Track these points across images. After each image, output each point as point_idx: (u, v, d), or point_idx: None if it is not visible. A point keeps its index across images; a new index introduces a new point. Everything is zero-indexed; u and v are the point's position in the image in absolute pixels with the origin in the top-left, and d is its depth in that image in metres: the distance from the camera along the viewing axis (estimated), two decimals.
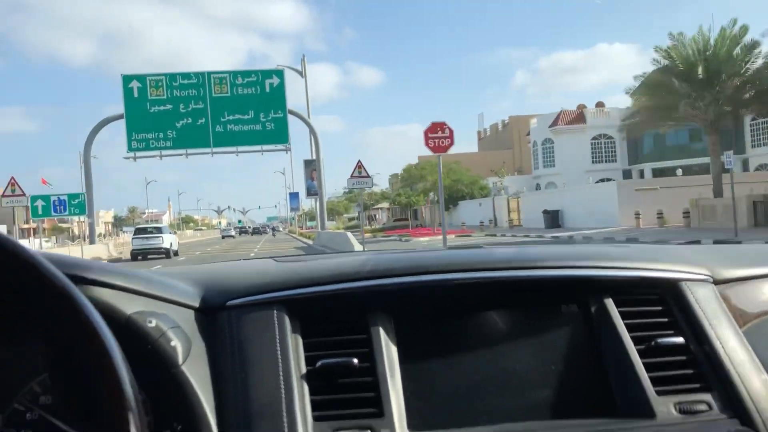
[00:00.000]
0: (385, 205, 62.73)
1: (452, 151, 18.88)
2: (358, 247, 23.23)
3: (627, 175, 48.54)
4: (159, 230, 31.05)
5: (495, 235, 34.73)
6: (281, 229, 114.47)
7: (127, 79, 35.32)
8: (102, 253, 32.49)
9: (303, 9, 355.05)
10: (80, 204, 29.23)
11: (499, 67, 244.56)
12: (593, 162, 50.22)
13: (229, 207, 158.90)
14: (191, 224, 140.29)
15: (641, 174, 47.02)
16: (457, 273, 1.10)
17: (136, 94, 35.14)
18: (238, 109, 35.44)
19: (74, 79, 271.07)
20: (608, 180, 45.11)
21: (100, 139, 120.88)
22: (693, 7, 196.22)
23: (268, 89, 35.74)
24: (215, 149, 35.67)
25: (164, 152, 35.61)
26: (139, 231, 31.59)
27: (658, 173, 43.63)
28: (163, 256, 29.02)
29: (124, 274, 0.89)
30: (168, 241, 29.76)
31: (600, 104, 53.04)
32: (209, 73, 35.73)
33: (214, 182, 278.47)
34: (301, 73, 42.48)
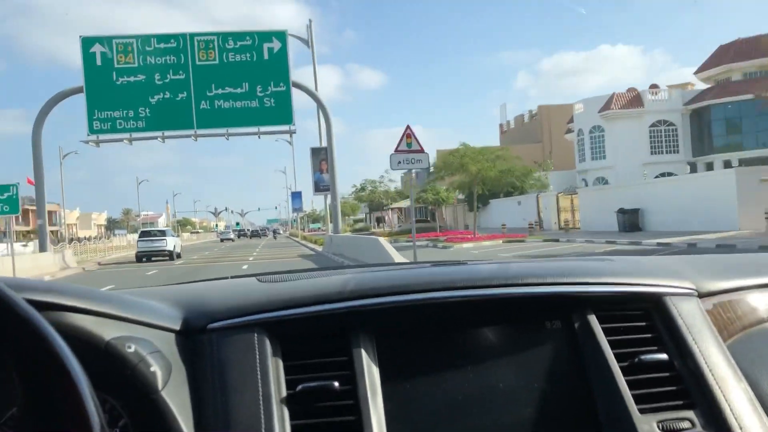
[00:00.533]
0: (404, 204, 54.96)
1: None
2: (397, 257, 15.63)
3: (692, 168, 40.81)
4: (163, 233, 31.93)
5: (557, 241, 27.00)
6: (281, 232, 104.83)
7: (87, 42, 27.54)
8: (44, 268, 24.61)
9: (305, 11, 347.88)
10: (11, 200, 21.50)
11: (501, 69, 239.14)
12: (652, 153, 42.38)
13: (226, 209, 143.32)
14: (188, 227, 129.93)
15: (709, 168, 39.27)
16: (439, 292, 1.08)
17: (99, 62, 27.36)
18: (228, 81, 27.64)
19: (76, 82, 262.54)
20: (669, 174, 37.54)
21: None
22: (696, 9, 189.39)
23: (266, 56, 27.96)
24: (199, 131, 27.72)
25: (135, 134, 27.67)
26: (144, 234, 32.42)
27: (730, 167, 35.93)
28: (167, 258, 29.98)
29: (102, 299, 0.88)
30: (171, 243, 30.67)
31: (654, 86, 45.29)
32: (192, 35, 27.95)
33: (212, 183, 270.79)
34: (307, 43, 34.02)
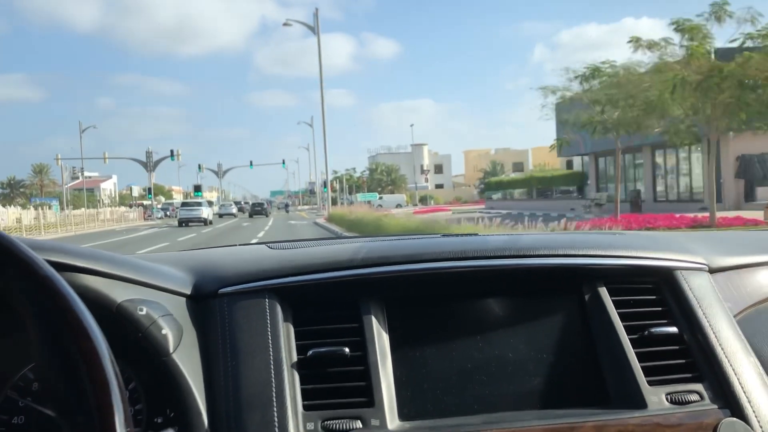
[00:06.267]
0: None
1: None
2: None
3: None
4: (199, 204, 41.22)
5: None
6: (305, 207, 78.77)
7: None
8: None
9: None
10: None
11: (519, 42, 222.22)
12: None
13: (173, 153, 59.44)
14: (159, 196, 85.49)
15: None
16: (450, 261, 1.09)
17: None
18: None
19: (79, 46, 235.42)
20: None
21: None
22: None
23: None
24: None
25: None
26: (184, 204, 42.53)
27: None
28: (203, 223, 38.18)
29: (114, 261, 0.89)
30: (206, 213, 39.28)
31: None
32: None
33: (183, 128, 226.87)
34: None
